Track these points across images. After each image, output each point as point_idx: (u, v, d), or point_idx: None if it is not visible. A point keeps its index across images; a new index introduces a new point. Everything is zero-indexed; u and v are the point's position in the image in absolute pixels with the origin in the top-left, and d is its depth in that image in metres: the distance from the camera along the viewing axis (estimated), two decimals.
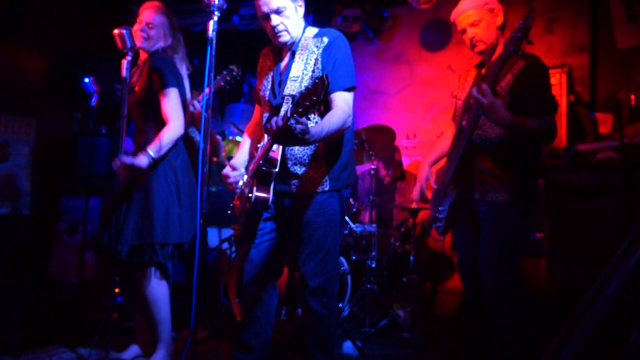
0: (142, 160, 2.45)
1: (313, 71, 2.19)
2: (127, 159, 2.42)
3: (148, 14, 2.64)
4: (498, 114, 2.15)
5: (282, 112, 2.10)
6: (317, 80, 1.76)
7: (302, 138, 1.85)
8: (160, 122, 2.57)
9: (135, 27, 2.61)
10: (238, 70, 2.94)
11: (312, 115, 2.21)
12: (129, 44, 2.47)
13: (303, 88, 2.16)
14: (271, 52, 2.41)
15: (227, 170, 2.31)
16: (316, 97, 1.75)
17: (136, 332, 2.82)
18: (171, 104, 2.54)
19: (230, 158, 3.17)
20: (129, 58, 2.48)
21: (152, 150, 2.47)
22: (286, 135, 1.84)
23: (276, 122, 1.83)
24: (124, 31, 2.46)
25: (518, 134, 2.25)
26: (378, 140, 3.82)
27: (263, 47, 2.45)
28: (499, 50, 2.35)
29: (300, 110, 1.78)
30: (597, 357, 1.19)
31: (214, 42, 2.03)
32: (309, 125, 1.85)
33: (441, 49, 4.84)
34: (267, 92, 2.33)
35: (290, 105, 1.82)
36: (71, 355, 2.89)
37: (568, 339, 1.22)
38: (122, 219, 2.53)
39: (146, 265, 2.55)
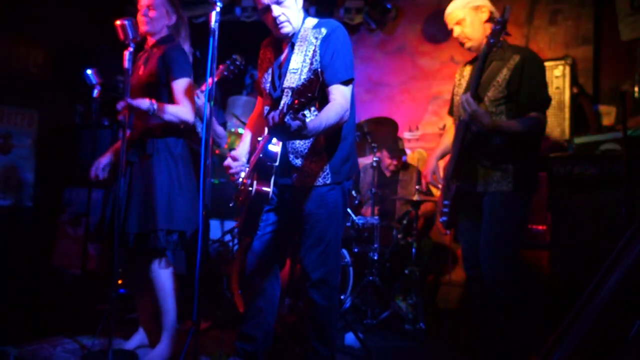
0: (144, 103, 2.47)
1: (311, 63, 2.17)
2: (132, 100, 2.45)
3: None
4: (480, 122, 2.27)
5: (281, 106, 2.11)
6: (311, 77, 1.77)
7: (299, 133, 1.86)
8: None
9: (138, 14, 2.62)
10: (241, 59, 2.93)
11: (313, 108, 2.21)
12: (131, 35, 2.46)
13: (302, 81, 2.16)
14: (271, 44, 2.40)
15: (228, 161, 2.31)
16: (311, 94, 1.75)
17: (141, 323, 2.84)
18: (184, 92, 2.58)
19: (232, 150, 3.16)
20: (131, 49, 2.47)
21: (155, 105, 2.49)
22: (283, 131, 1.85)
23: (273, 118, 1.84)
24: (126, 22, 2.45)
25: (504, 136, 2.34)
26: (380, 133, 3.82)
27: (265, 39, 2.44)
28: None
29: (295, 107, 1.79)
30: (598, 349, 1.19)
31: (217, 33, 2.03)
32: (307, 120, 1.86)
33: (444, 41, 4.82)
34: (268, 85, 2.32)
35: (287, 101, 1.84)
36: (74, 345, 2.91)
37: (570, 330, 1.22)
38: (125, 207, 2.55)
39: (153, 253, 2.56)
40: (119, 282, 3.22)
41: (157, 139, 2.62)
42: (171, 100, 2.59)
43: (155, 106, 2.48)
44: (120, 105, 2.44)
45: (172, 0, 2.69)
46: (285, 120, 1.80)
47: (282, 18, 2.18)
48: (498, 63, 2.41)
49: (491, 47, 2.29)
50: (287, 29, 2.21)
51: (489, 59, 2.39)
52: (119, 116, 2.47)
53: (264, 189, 2.19)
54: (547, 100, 2.40)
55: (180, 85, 2.57)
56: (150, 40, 2.71)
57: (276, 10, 2.17)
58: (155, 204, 2.52)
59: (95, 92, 3.41)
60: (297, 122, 1.80)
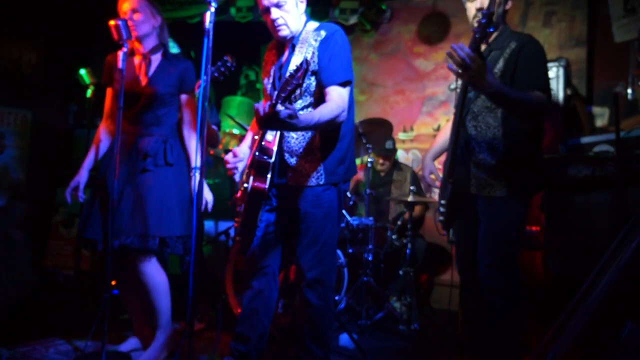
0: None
1: (309, 64, 2.19)
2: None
3: (128, 3, 2.60)
4: (485, 79, 2.01)
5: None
6: (298, 65, 1.82)
7: (289, 122, 1.86)
8: (173, 116, 2.67)
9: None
10: (232, 61, 2.91)
11: (310, 109, 2.23)
12: (124, 35, 2.45)
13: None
14: (275, 47, 2.43)
15: (228, 156, 2.30)
16: (296, 81, 1.81)
17: (133, 325, 2.83)
18: (194, 105, 2.67)
19: (227, 151, 3.16)
20: (125, 49, 2.46)
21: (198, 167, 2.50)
22: (272, 121, 1.85)
23: (263, 108, 1.86)
24: (120, 22, 2.44)
25: (505, 105, 2.18)
26: (375, 134, 3.82)
27: (259, 39, 2.46)
28: (497, 32, 2.34)
29: (282, 95, 1.82)
30: (591, 350, 1.19)
31: (211, 33, 2.02)
32: (300, 113, 1.88)
33: (439, 42, 4.84)
34: (269, 86, 2.36)
35: (275, 93, 1.87)
36: (67, 347, 2.89)
37: (562, 331, 1.23)
38: (126, 210, 2.52)
39: (148, 255, 2.55)
40: (112, 283, 3.20)
41: (175, 147, 2.63)
42: (178, 110, 2.68)
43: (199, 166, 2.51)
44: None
45: (153, 2, 2.68)
46: (276, 109, 1.81)
47: (280, 21, 2.21)
48: (496, 53, 2.30)
49: (478, 42, 2.13)
50: (284, 32, 2.23)
51: (488, 48, 2.34)
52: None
53: (260, 185, 2.20)
54: (547, 83, 2.22)
55: (192, 98, 2.66)
56: (140, 45, 2.67)
57: (275, 13, 2.19)
58: (169, 211, 2.53)
59: (89, 92, 3.40)
60: (287, 111, 1.82)
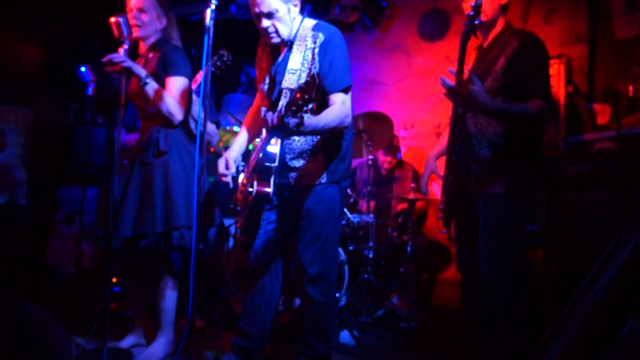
0: (141, 70, 2.43)
1: (309, 68, 2.20)
2: (132, 63, 2.40)
3: (136, 0, 2.60)
4: (477, 101, 2.12)
5: (279, 108, 2.12)
6: (309, 79, 1.81)
7: (296, 131, 1.90)
8: None
9: (128, 17, 2.58)
10: (228, 55, 2.89)
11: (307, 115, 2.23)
12: (125, 33, 2.45)
13: (300, 83, 2.19)
14: None
15: (221, 165, 2.33)
16: (308, 96, 1.80)
17: (135, 321, 2.83)
18: (177, 89, 2.53)
19: (227, 148, 3.16)
20: (125, 47, 2.45)
21: (151, 79, 2.45)
22: (281, 131, 1.90)
23: (272, 120, 1.87)
24: (120, 19, 2.44)
25: (502, 119, 2.23)
26: (376, 130, 3.81)
27: (260, 37, 2.44)
28: (498, 28, 2.35)
29: (293, 108, 1.82)
30: (591, 347, 1.19)
31: (212, 31, 2.02)
32: (305, 118, 1.89)
33: (439, 39, 4.82)
34: (266, 86, 2.35)
35: (285, 103, 1.87)
36: None
37: (562, 328, 1.23)
38: (131, 207, 2.50)
39: (165, 254, 2.55)
40: (113, 280, 3.20)
41: (169, 134, 2.58)
42: None
43: (150, 81, 2.43)
44: (116, 57, 2.36)
45: (162, 3, 2.66)
46: (285, 120, 1.82)
47: (270, 29, 2.20)
48: (497, 50, 2.30)
49: (467, 35, 2.19)
50: (275, 40, 2.23)
51: (489, 45, 2.35)
52: (108, 69, 2.39)
53: (264, 189, 2.23)
54: (548, 89, 2.25)
55: (174, 82, 2.53)
56: (143, 45, 2.67)
57: (265, 22, 2.19)
58: (176, 202, 2.48)
59: (90, 90, 3.40)
60: (295, 120, 1.83)
